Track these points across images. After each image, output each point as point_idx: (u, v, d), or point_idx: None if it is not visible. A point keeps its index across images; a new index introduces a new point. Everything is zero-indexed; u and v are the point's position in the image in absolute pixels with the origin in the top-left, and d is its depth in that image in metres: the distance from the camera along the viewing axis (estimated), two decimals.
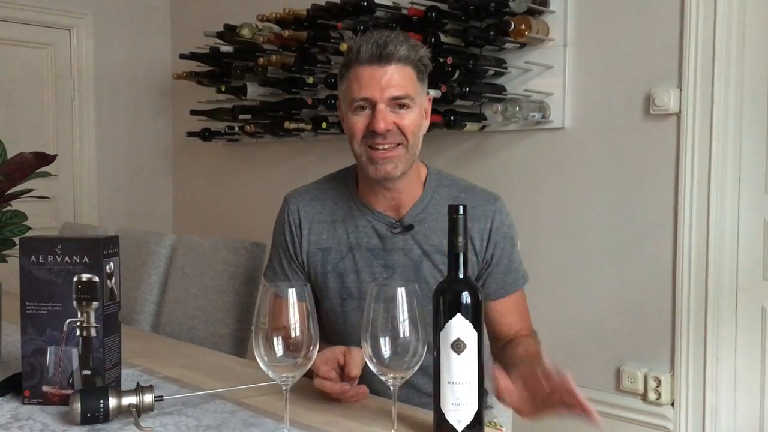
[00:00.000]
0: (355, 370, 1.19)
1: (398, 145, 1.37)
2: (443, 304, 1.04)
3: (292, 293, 1.02)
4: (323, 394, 1.24)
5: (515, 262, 1.50)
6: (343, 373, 1.21)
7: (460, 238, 1.05)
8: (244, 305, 1.98)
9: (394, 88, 1.34)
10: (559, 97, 2.71)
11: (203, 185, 4.34)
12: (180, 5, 4.43)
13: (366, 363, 1.05)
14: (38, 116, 4.03)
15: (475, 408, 1.03)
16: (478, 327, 1.03)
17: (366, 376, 1.19)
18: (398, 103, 1.36)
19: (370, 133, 1.35)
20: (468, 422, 1.03)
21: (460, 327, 1.02)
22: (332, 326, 1.50)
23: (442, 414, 1.04)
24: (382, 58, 1.33)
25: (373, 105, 1.35)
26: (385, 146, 1.36)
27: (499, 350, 1.50)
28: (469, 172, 2.75)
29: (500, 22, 2.65)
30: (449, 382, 1.02)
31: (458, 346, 1.01)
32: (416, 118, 1.38)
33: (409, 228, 1.44)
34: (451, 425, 1.03)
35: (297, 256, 1.51)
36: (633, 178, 2.57)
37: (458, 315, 1.02)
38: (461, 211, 1.06)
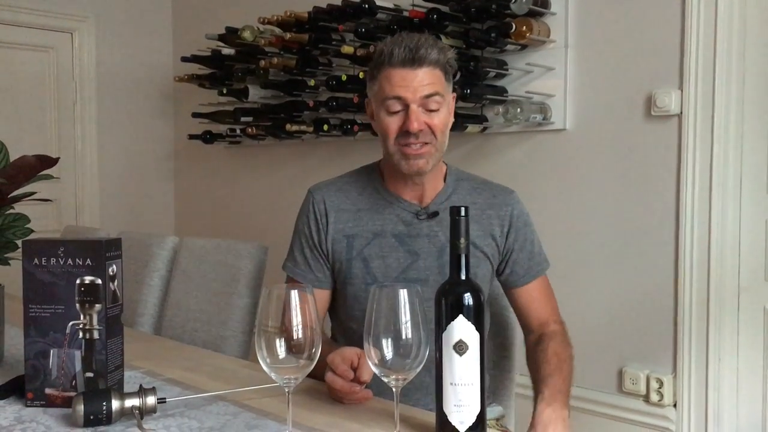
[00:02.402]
0: (366, 376, 1.21)
1: (428, 144, 1.44)
2: (445, 306, 1.03)
3: (295, 295, 1.02)
4: (330, 391, 1.25)
5: (537, 247, 1.58)
6: (354, 374, 1.22)
7: (462, 240, 1.05)
8: (246, 307, 1.98)
9: (426, 88, 1.41)
10: (560, 99, 2.72)
11: (205, 187, 4.35)
12: (181, 8, 4.44)
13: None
14: (40, 119, 4.03)
15: (477, 409, 1.03)
16: (480, 328, 1.03)
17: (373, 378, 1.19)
18: (429, 104, 1.42)
19: (404, 133, 1.42)
20: (470, 423, 1.03)
21: (462, 328, 1.02)
22: (355, 312, 1.52)
23: (445, 415, 1.04)
24: (414, 61, 1.40)
25: (406, 106, 1.41)
26: (417, 145, 1.42)
27: (531, 348, 1.54)
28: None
29: (501, 24, 2.65)
30: (451, 384, 1.02)
31: (460, 348, 1.02)
32: (445, 118, 1.46)
33: (434, 215, 1.50)
34: (454, 426, 1.04)
35: (321, 245, 1.54)
36: (634, 179, 2.57)
37: (460, 316, 1.02)
38: (463, 213, 1.06)
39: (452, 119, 1.52)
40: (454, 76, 1.52)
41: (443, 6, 2.76)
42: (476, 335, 1.02)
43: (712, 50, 2.37)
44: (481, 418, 1.04)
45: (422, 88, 1.40)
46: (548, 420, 1.31)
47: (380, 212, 1.52)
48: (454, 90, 1.51)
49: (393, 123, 1.43)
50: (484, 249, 1.51)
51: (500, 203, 1.54)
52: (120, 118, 4.30)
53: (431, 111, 1.42)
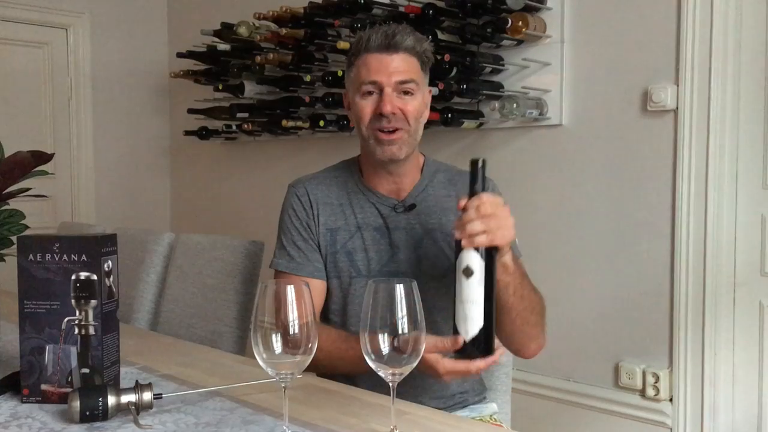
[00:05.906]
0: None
1: (401, 129, 1.46)
2: (457, 239, 1.20)
3: (290, 290, 1.02)
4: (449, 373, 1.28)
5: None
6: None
7: (478, 184, 1.24)
8: (242, 303, 1.98)
9: (401, 73, 1.44)
10: (556, 94, 2.72)
11: (201, 184, 4.34)
12: (177, 3, 4.42)
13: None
14: (35, 115, 4.02)
15: (480, 323, 1.20)
16: (487, 257, 1.19)
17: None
18: (403, 89, 1.45)
19: (378, 116, 1.45)
20: (474, 334, 1.20)
21: (469, 257, 1.19)
22: (334, 306, 1.54)
23: (455, 328, 1.21)
24: (390, 46, 1.44)
25: (380, 89, 1.45)
26: (390, 129, 1.45)
27: None
28: (467, 169, 2.75)
29: (497, 19, 2.65)
30: (460, 302, 1.20)
31: (468, 272, 1.18)
32: (419, 105, 1.48)
33: (411, 207, 1.53)
34: (461, 335, 1.21)
35: (314, 235, 1.55)
36: (630, 174, 2.57)
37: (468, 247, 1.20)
38: (480, 164, 1.25)
39: (427, 113, 1.54)
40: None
41: (439, 1, 2.76)
42: (481, 263, 1.19)
43: (708, 45, 2.37)
44: (486, 332, 1.20)
45: (397, 74, 1.44)
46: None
47: (361, 206, 1.55)
48: (434, 84, 1.51)
49: (367, 106, 1.46)
50: None
51: None
52: (115, 114, 4.29)
53: (406, 97, 1.45)
